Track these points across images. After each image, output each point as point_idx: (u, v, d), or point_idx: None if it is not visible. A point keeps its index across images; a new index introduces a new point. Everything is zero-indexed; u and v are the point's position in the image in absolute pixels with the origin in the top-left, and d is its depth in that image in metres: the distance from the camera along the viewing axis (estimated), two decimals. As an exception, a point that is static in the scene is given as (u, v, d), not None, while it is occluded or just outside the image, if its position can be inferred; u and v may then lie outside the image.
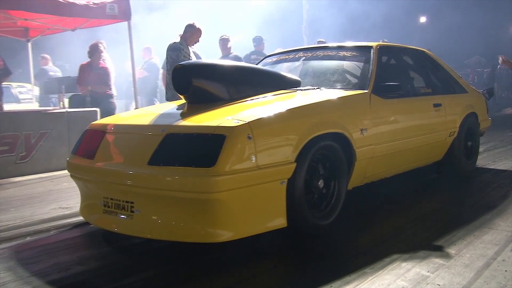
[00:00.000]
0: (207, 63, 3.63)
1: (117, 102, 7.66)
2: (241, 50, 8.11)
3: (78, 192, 3.23)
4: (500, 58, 6.31)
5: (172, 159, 2.62)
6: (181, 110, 3.27)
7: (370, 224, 3.32)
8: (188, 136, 2.69)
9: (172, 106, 3.59)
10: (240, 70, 3.62)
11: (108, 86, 7.09)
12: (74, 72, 7.62)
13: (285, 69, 4.21)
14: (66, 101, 7.07)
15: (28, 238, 3.21)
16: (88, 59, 7.07)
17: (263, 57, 5.07)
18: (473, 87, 5.35)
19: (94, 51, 7.00)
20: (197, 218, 2.58)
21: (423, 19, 26.48)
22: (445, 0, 21.36)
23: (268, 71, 3.97)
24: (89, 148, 3.15)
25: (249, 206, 2.62)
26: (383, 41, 8.46)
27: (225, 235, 2.55)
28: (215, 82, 3.34)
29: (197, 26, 5.95)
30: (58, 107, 7.06)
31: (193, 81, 3.22)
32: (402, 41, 6.69)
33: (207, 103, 3.21)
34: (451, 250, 2.68)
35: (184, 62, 3.39)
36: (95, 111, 6.70)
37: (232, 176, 2.48)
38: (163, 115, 3.25)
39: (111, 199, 2.86)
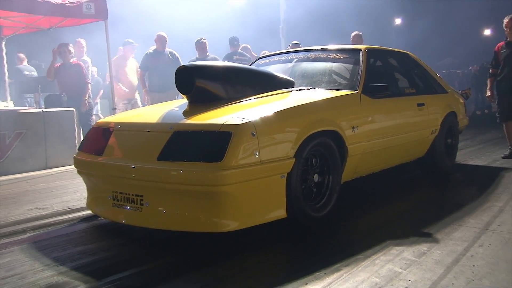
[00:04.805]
0: (208, 65, 3.78)
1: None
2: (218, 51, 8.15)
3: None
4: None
5: (180, 154, 2.74)
6: (185, 109, 3.38)
7: (348, 221, 3.37)
8: (196, 133, 2.81)
9: (175, 105, 3.68)
10: (238, 71, 3.79)
11: (85, 84, 7.03)
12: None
13: (279, 70, 4.29)
14: (42, 100, 6.99)
15: (41, 231, 3.29)
16: (54, 59, 7.04)
17: (244, 57, 5.14)
18: (452, 88, 5.49)
19: (63, 50, 6.94)
20: (205, 209, 2.70)
21: (398, 21, 26.88)
22: (418, 4, 21.73)
23: (264, 72, 4.06)
24: (97, 145, 3.27)
25: (253, 198, 2.76)
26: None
27: (231, 225, 2.69)
28: (215, 82, 3.47)
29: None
30: (33, 107, 6.97)
31: (196, 82, 3.33)
32: (378, 43, 6.81)
33: (209, 102, 3.34)
34: (423, 247, 2.74)
35: (187, 63, 3.56)
36: (72, 111, 6.63)
37: (238, 170, 2.61)
38: (168, 114, 3.35)
39: (120, 193, 2.97)
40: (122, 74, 8.31)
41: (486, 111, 15.10)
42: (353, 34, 7.68)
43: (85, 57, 8.32)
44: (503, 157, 5.81)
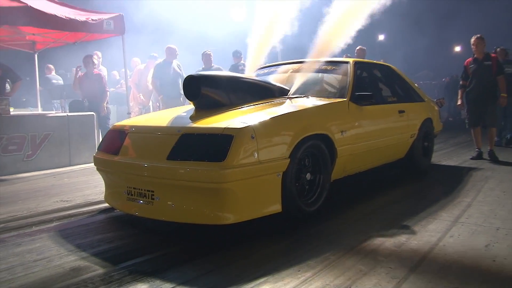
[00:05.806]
0: (213, 75, 3.72)
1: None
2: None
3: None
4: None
5: (187, 155, 2.71)
6: (192, 114, 3.34)
7: (337, 215, 3.33)
8: (201, 136, 2.78)
9: (183, 111, 3.63)
10: (239, 80, 3.73)
11: (103, 91, 7.00)
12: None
13: (276, 80, 4.23)
14: (66, 105, 6.98)
15: (66, 221, 3.28)
16: (77, 69, 7.02)
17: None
18: (429, 97, 5.47)
19: (88, 61, 6.94)
20: (209, 203, 2.67)
21: (381, 37, 26.99)
22: (399, 24, 21.73)
23: (262, 81, 4.01)
24: (113, 145, 3.24)
25: (251, 194, 2.72)
26: (347, 56, 8.52)
27: (232, 218, 2.66)
28: (219, 90, 3.43)
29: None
30: (59, 111, 6.94)
31: (202, 89, 3.30)
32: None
33: (213, 108, 3.30)
34: (402, 238, 2.72)
35: (194, 73, 3.51)
36: (92, 115, 6.61)
37: (239, 169, 2.58)
38: (177, 118, 3.31)
39: (134, 188, 2.95)
40: (144, 84, 8.27)
41: (451, 118, 15.05)
42: (357, 48, 7.74)
43: (101, 67, 8.29)
44: (471, 159, 5.80)
